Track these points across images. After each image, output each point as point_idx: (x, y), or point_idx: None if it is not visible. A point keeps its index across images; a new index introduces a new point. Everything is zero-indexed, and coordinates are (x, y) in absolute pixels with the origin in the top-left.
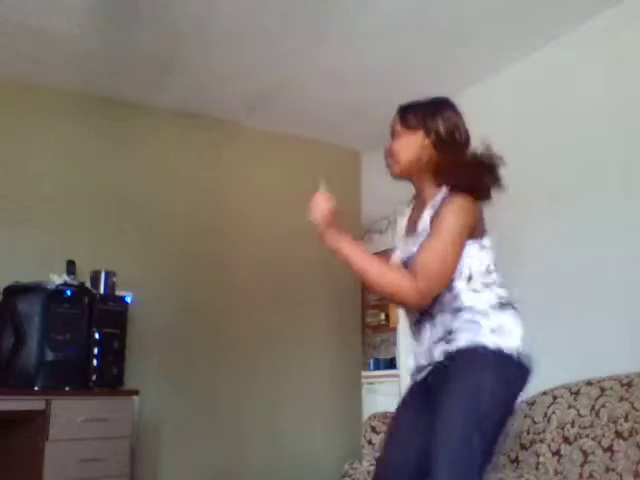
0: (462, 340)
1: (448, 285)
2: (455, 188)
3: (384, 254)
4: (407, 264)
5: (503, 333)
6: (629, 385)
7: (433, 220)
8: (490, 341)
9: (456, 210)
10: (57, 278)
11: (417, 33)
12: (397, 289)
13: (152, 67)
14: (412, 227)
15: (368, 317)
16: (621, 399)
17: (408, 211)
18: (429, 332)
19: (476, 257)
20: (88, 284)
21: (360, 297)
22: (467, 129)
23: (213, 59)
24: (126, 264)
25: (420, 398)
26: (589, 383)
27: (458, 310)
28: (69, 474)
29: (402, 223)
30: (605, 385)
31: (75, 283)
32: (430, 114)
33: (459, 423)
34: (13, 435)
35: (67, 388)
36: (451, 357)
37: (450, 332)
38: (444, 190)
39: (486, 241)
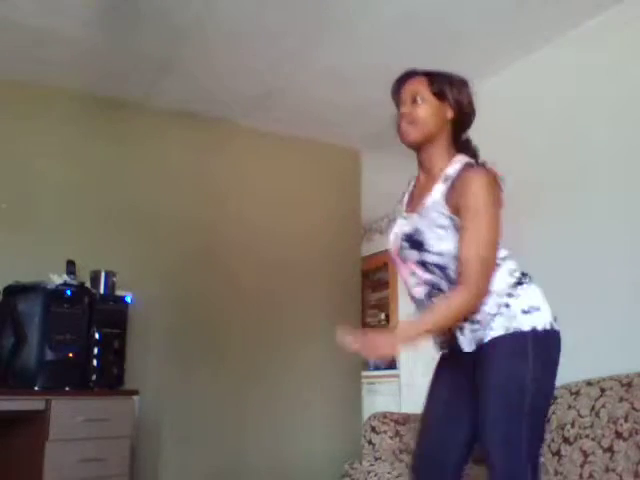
0: (495, 328)
1: (457, 268)
2: (475, 163)
3: (384, 255)
4: (412, 240)
5: (535, 311)
6: (629, 385)
7: (450, 195)
8: (525, 324)
9: (485, 186)
10: (57, 278)
11: (417, 33)
12: (464, 309)
13: (152, 67)
14: (417, 201)
15: (368, 317)
16: (621, 399)
17: (411, 185)
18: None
19: None
20: (88, 284)
21: (360, 297)
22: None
23: (213, 59)
24: (126, 264)
25: (453, 374)
26: (589, 383)
27: None
28: (69, 474)
29: (403, 199)
30: (605, 385)
31: (75, 283)
32: (459, 88)
33: (507, 423)
34: (13, 435)
35: (67, 388)
36: (487, 345)
37: (476, 318)
38: (457, 164)
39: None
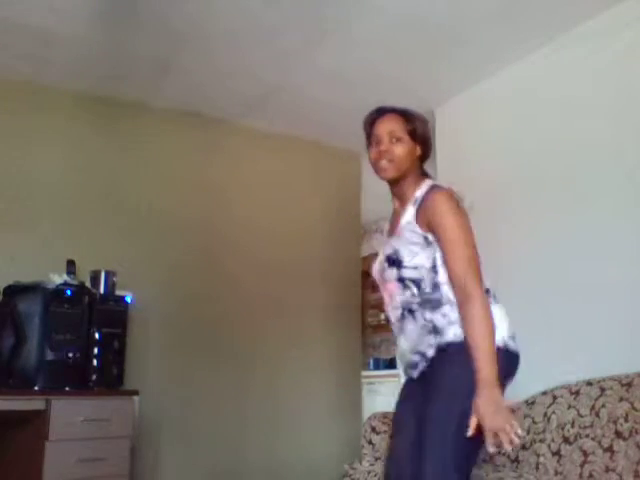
0: (450, 334)
1: (431, 280)
2: (436, 186)
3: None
4: (390, 259)
5: (498, 325)
6: (629, 385)
7: (419, 215)
8: (452, 335)
9: (448, 202)
10: (57, 278)
11: (417, 34)
12: (484, 317)
13: (151, 67)
14: (394, 226)
15: (368, 317)
16: (621, 399)
17: (389, 219)
18: (412, 326)
19: None
20: (88, 284)
21: (360, 297)
22: None
23: (212, 59)
24: (126, 264)
25: (418, 392)
26: (589, 383)
27: (438, 305)
28: (69, 474)
29: (385, 229)
30: (605, 385)
31: (75, 283)
32: (425, 126)
33: (443, 425)
34: (13, 435)
35: (67, 388)
36: (441, 350)
37: (435, 327)
38: (424, 187)
39: None
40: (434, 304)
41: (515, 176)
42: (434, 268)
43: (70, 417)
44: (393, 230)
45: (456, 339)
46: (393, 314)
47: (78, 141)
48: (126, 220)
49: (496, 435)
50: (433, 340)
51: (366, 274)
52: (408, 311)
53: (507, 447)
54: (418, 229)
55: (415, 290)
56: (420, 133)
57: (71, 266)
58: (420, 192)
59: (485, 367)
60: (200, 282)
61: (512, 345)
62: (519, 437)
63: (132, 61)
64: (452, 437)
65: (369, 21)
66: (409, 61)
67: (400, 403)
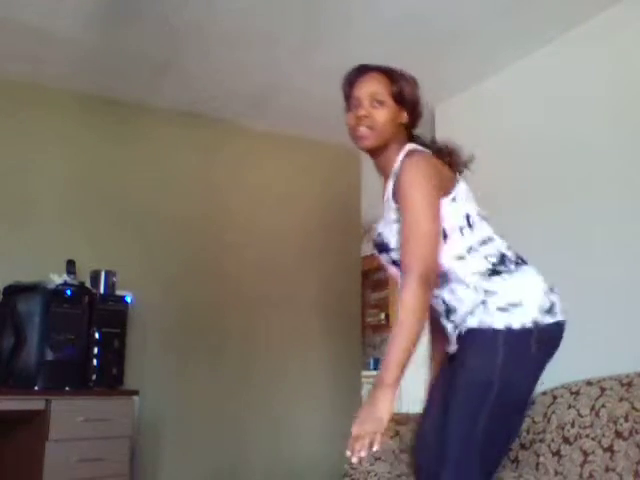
0: (470, 323)
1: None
2: (413, 151)
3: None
4: (378, 245)
5: (513, 308)
6: (629, 385)
7: (395, 190)
8: (499, 322)
9: (413, 170)
10: (57, 278)
11: (416, 33)
12: (413, 304)
13: (151, 67)
14: (382, 206)
15: (368, 317)
16: (621, 399)
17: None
18: (436, 307)
19: (449, 214)
20: (88, 284)
21: (360, 297)
22: None
23: (212, 59)
24: (126, 264)
25: (448, 372)
26: (589, 383)
27: (446, 281)
28: (69, 474)
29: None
30: (605, 385)
31: (75, 283)
32: (413, 89)
33: (465, 421)
34: (13, 435)
35: (67, 388)
36: (461, 340)
37: (449, 309)
38: (401, 156)
39: (455, 193)
40: (442, 280)
41: (515, 175)
42: None
43: (70, 417)
44: (381, 216)
45: (477, 325)
46: None
47: (78, 141)
48: (126, 220)
49: (356, 441)
50: (448, 324)
51: (366, 274)
52: None
53: (353, 458)
54: (394, 204)
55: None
56: (407, 96)
57: (71, 266)
58: (397, 164)
59: (388, 365)
60: (200, 282)
61: (547, 319)
62: (366, 452)
63: (132, 61)
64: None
65: (369, 20)
66: (409, 60)
67: (433, 386)
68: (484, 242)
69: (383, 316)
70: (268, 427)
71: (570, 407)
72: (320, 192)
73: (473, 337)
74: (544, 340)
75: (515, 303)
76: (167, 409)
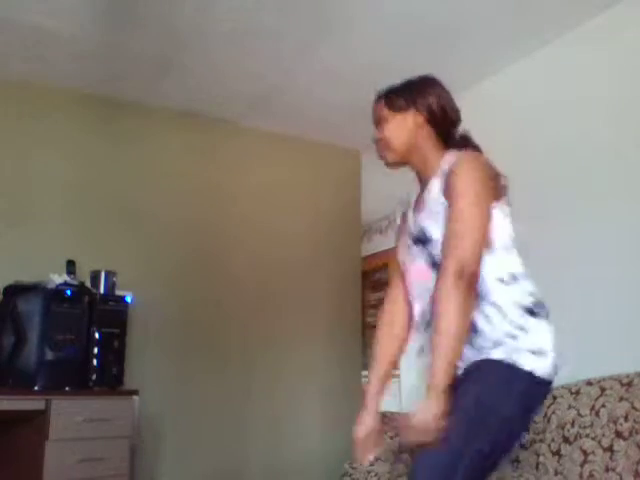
0: (494, 353)
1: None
2: (463, 149)
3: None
4: (419, 239)
5: (540, 355)
6: (629, 385)
7: (445, 187)
8: (526, 363)
9: (468, 166)
10: (57, 278)
11: (417, 33)
12: (456, 306)
13: (152, 67)
14: (420, 204)
15: (368, 317)
16: (621, 399)
17: (413, 197)
18: None
19: (499, 221)
20: (88, 284)
21: (360, 297)
22: (458, 108)
23: (212, 59)
24: (126, 264)
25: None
26: (589, 383)
27: (481, 299)
28: (69, 474)
29: (409, 214)
30: (605, 385)
31: (75, 283)
32: (418, 92)
33: (457, 440)
34: (13, 435)
35: (67, 388)
36: (477, 362)
37: (476, 330)
38: (452, 157)
39: (506, 208)
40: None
41: (514, 175)
42: None
43: (70, 417)
44: (418, 209)
45: (502, 358)
46: (419, 305)
47: (78, 141)
48: (126, 220)
49: (410, 435)
50: (469, 351)
51: (366, 274)
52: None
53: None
54: (443, 199)
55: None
56: (406, 100)
57: (71, 266)
58: (447, 163)
59: (442, 369)
60: (200, 282)
61: (552, 377)
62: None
63: (132, 61)
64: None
65: (370, 20)
66: (409, 61)
67: None
68: (524, 276)
69: None
70: (268, 427)
71: (570, 407)
72: (320, 192)
73: (494, 365)
74: (543, 397)
75: (544, 351)
76: (167, 409)
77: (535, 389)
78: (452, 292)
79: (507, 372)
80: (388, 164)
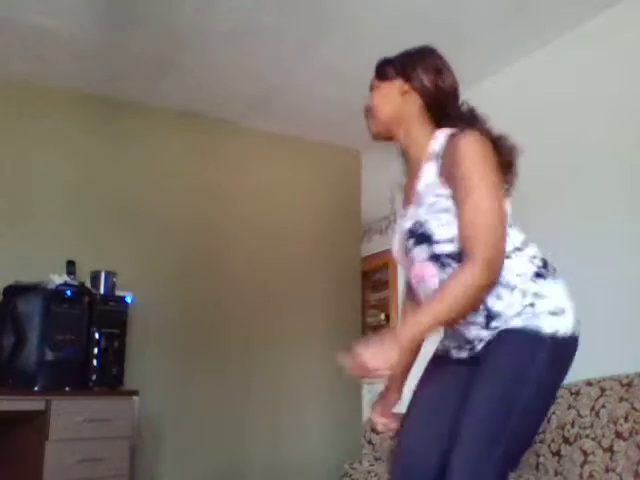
0: (514, 324)
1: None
2: (458, 131)
3: (384, 255)
4: (415, 234)
5: (560, 313)
6: (629, 385)
7: (442, 172)
8: (547, 325)
9: (473, 148)
10: (57, 278)
11: (417, 33)
12: (473, 286)
13: (152, 67)
14: (410, 193)
15: (368, 317)
16: (621, 399)
17: (403, 183)
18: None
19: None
20: (88, 284)
21: (360, 297)
22: (455, 79)
23: (212, 59)
24: (126, 264)
25: (450, 374)
26: (589, 383)
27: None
28: (69, 474)
29: (398, 201)
30: (605, 385)
31: (75, 283)
32: (410, 61)
33: (489, 420)
34: (13, 435)
35: (67, 388)
36: (499, 335)
37: (491, 315)
38: (440, 138)
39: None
40: None
41: None
42: None
43: (70, 417)
44: (408, 199)
45: (522, 326)
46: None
47: (78, 141)
48: (126, 220)
49: (363, 371)
50: (485, 332)
51: (366, 274)
52: None
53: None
54: (443, 190)
55: (456, 265)
56: (395, 68)
57: (71, 266)
58: (438, 144)
59: (411, 323)
60: (200, 282)
61: (578, 331)
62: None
63: (132, 61)
64: (498, 428)
65: (370, 20)
66: None
67: (425, 386)
68: (526, 243)
69: (383, 316)
70: (268, 427)
71: (570, 407)
72: (320, 192)
73: (514, 335)
74: (573, 352)
75: (563, 309)
76: (167, 409)
77: (562, 349)
78: (477, 277)
79: (529, 341)
80: (372, 135)
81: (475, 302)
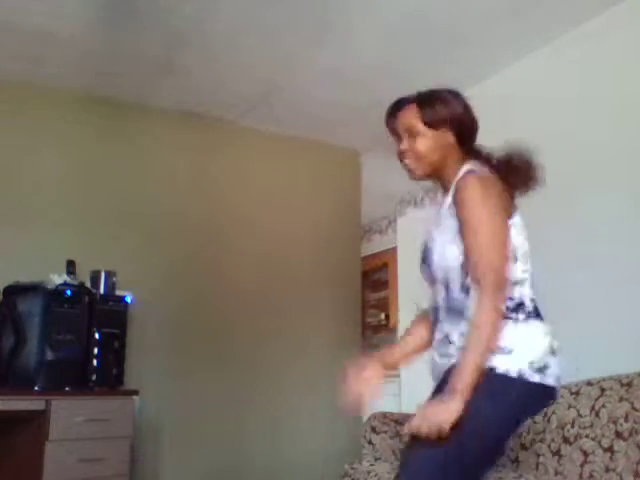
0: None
1: (459, 281)
2: (471, 170)
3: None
4: (425, 251)
5: (502, 353)
6: (629, 385)
7: (453, 204)
8: (498, 364)
9: (474, 192)
10: (57, 278)
11: (417, 33)
12: (492, 314)
13: (151, 67)
14: (435, 219)
15: (368, 317)
16: (621, 399)
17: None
18: (437, 336)
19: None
20: (88, 284)
21: (360, 297)
22: (477, 119)
23: (212, 59)
24: (126, 264)
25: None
26: (589, 383)
27: (460, 317)
28: (69, 474)
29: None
30: (605, 385)
31: (75, 283)
32: (450, 105)
33: (437, 453)
34: (13, 435)
35: (67, 388)
36: (448, 372)
37: (451, 342)
38: (461, 173)
39: (513, 220)
40: (455, 314)
41: None
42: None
43: (70, 417)
44: (434, 224)
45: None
46: (433, 316)
47: (78, 141)
48: (126, 220)
49: (420, 423)
50: (446, 360)
51: (366, 274)
52: (435, 319)
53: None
54: (451, 220)
55: (444, 294)
56: (444, 117)
57: (71, 266)
58: (457, 178)
59: (469, 361)
60: (200, 282)
61: (534, 377)
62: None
63: (132, 61)
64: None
65: (370, 20)
66: (409, 61)
67: None
68: (512, 283)
69: (383, 316)
70: (268, 427)
71: (570, 407)
72: (320, 192)
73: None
74: (523, 396)
75: (505, 349)
76: (167, 409)
77: (499, 383)
78: (491, 305)
79: (494, 378)
80: (417, 178)
81: (499, 322)
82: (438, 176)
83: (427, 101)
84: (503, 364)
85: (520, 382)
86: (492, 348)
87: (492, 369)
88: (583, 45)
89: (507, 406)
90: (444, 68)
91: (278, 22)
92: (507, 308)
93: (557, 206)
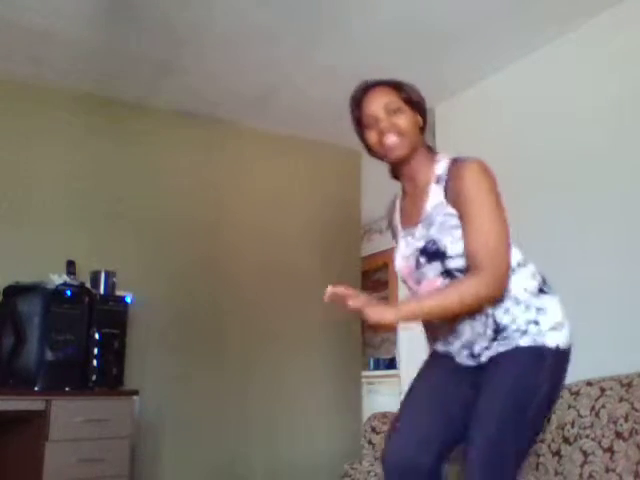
0: (522, 341)
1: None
2: (459, 158)
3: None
4: (429, 252)
5: (560, 328)
6: (629, 385)
7: (448, 194)
8: (551, 341)
9: (478, 174)
10: (57, 278)
11: (416, 33)
12: (475, 299)
13: (151, 68)
14: (413, 213)
15: None
16: (621, 399)
17: (397, 203)
18: (467, 325)
19: None
20: (88, 284)
21: None
22: None
23: (211, 60)
24: (126, 264)
25: (450, 374)
26: (589, 383)
27: (501, 299)
28: (69, 474)
29: (394, 221)
30: (605, 385)
31: (75, 283)
32: (421, 96)
33: (505, 428)
34: (13, 435)
35: (67, 388)
36: (502, 353)
37: (499, 329)
38: (443, 162)
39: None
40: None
41: (514, 176)
42: None
43: (70, 417)
44: (412, 218)
45: (529, 344)
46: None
47: (78, 141)
48: (126, 220)
49: (373, 317)
50: (494, 342)
51: (366, 274)
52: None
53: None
54: (451, 209)
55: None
56: (416, 100)
57: (71, 266)
58: (441, 168)
59: (427, 303)
60: (200, 282)
61: (571, 343)
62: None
63: (132, 61)
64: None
65: (368, 20)
66: (408, 60)
67: (422, 384)
68: (526, 260)
69: None
70: (268, 427)
71: (570, 407)
72: (320, 192)
73: (521, 353)
74: (568, 362)
75: (562, 323)
76: (167, 409)
77: (561, 360)
78: (490, 289)
79: (535, 358)
80: (397, 156)
81: (474, 309)
82: (410, 161)
83: (398, 82)
84: (564, 339)
85: (569, 350)
86: (454, 311)
87: (557, 347)
88: (583, 45)
89: (564, 377)
90: (444, 68)
91: (277, 23)
92: (540, 283)
93: (556, 205)
